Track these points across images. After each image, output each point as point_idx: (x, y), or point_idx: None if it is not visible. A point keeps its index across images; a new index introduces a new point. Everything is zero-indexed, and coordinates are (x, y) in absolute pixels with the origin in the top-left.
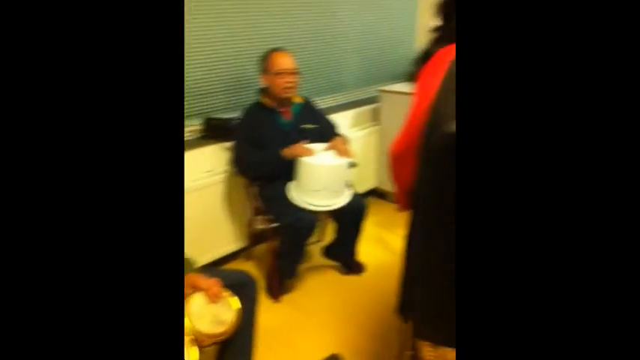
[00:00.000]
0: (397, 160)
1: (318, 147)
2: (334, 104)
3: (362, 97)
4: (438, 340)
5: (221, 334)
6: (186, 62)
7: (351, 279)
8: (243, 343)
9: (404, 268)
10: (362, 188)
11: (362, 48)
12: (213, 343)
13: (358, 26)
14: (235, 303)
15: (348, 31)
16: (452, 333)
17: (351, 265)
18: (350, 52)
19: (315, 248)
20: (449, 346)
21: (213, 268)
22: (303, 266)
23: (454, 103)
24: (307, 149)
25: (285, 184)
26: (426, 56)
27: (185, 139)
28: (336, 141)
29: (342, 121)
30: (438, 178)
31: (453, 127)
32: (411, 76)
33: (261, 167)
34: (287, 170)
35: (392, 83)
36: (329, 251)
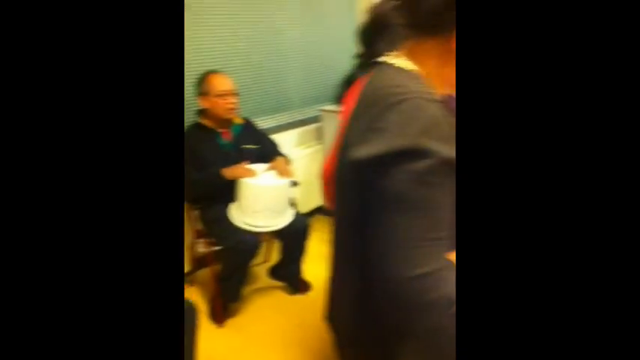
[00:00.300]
0: (326, 181)
1: (259, 167)
2: (279, 124)
3: (307, 117)
4: None
5: None
6: None
7: (298, 298)
8: None
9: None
10: (307, 207)
11: (305, 68)
12: None
13: (302, 46)
14: None
15: (292, 51)
16: (364, 354)
17: (297, 285)
18: (294, 71)
19: (261, 269)
20: None
21: None
22: (248, 288)
23: (359, 130)
24: (248, 170)
25: (226, 206)
26: (349, 80)
27: None
28: (278, 161)
29: (286, 140)
30: (347, 200)
31: (355, 154)
32: (338, 99)
33: (200, 188)
34: (228, 192)
35: (334, 103)
36: (274, 272)
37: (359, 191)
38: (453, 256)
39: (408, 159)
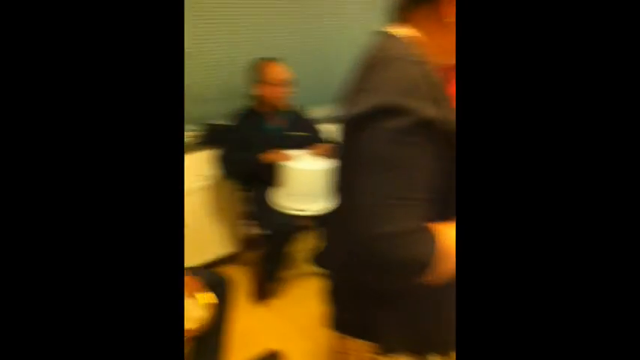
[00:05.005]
0: None
1: (300, 153)
2: (332, 114)
3: None
4: (345, 331)
5: (188, 331)
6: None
7: None
8: (212, 340)
9: None
10: None
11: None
12: None
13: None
14: (204, 299)
15: (344, 41)
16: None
17: None
18: (347, 62)
19: (305, 255)
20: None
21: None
22: (292, 272)
23: (351, 93)
24: (284, 154)
25: (267, 190)
26: None
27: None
28: (319, 146)
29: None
30: (340, 159)
31: (344, 115)
32: None
33: (239, 166)
34: (269, 175)
35: None
36: (318, 259)
37: (344, 150)
38: (439, 226)
39: (385, 117)
